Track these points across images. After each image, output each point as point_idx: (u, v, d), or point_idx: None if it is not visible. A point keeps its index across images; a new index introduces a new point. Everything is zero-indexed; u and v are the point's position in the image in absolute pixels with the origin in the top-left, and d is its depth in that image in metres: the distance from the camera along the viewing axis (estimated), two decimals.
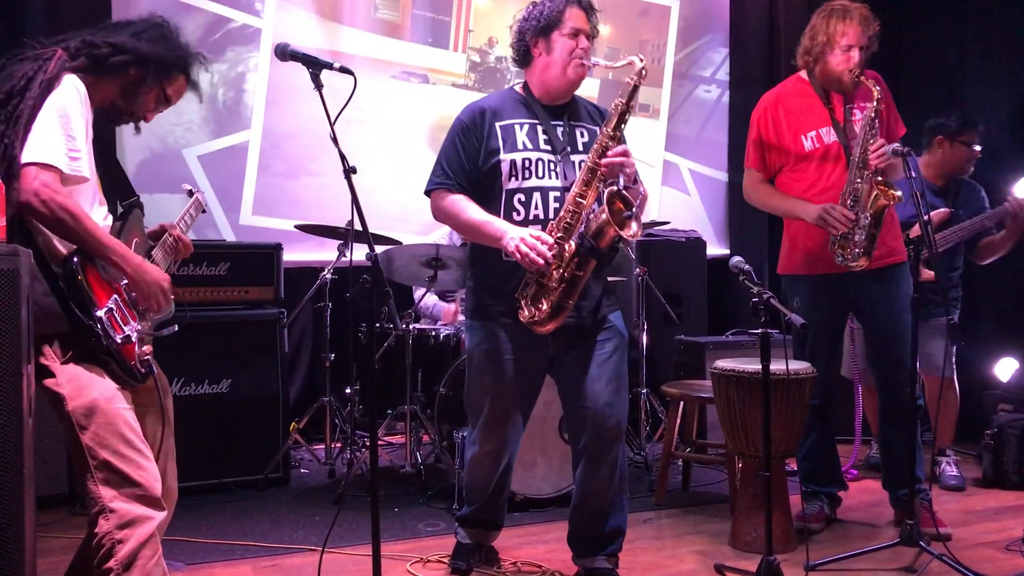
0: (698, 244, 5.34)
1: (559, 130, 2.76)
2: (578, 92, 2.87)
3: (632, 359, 4.74)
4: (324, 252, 4.58)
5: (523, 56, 2.78)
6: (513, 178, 2.71)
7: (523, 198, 2.71)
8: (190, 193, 2.57)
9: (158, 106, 2.32)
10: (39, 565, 1.93)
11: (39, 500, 2.03)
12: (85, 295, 1.99)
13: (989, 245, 4.02)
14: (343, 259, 4.15)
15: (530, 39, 2.74)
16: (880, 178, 3.20)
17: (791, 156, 3.41)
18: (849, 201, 3.22)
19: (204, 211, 2.64)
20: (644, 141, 5.92)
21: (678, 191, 6.05)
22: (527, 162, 2.71)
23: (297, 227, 4.26)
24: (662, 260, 5.07)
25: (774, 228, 5.77)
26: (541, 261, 2.54)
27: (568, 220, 2.59)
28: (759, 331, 2.78)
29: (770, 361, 2.80)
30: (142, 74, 2.23)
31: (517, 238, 2.57)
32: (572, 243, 2.57)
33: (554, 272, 2.57)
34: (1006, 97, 5.06)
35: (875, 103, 3.21)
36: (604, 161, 2.58)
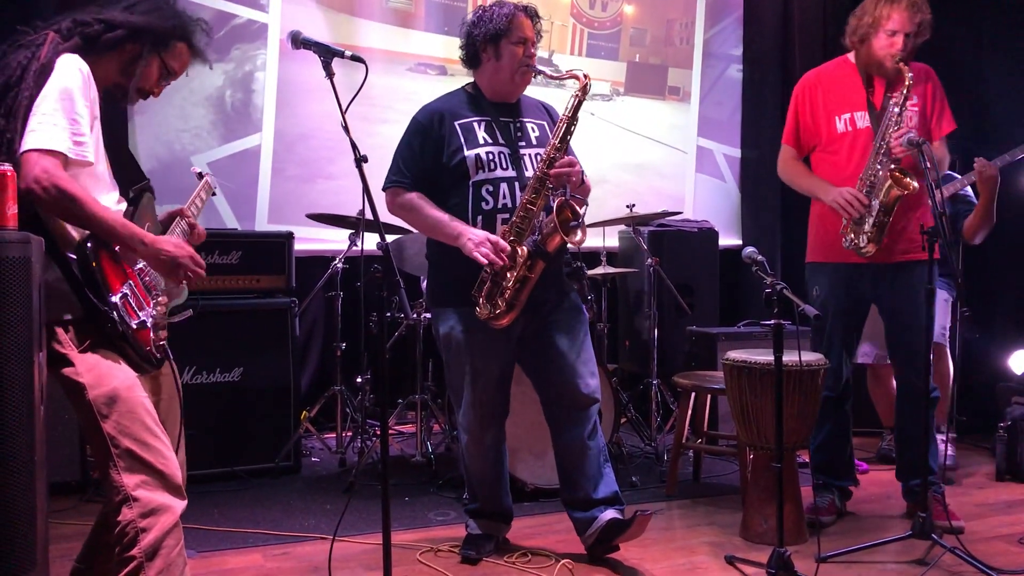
0: (710, 234, 5.33)
1: (511, 126, 2.95)
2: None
3: (644, 349, 4.76)
4: (336, 241, 4.57)
5: (472, 59, 2.95)
6: (480, 171, 2.86)
7: (491, 188, 2.86)
8: (199, 175, 2.52)
9: (162, 79, 2.24)
10: (51, 551, 1.93)
11: (51, 487, 2.03)
12: (99, 281, 1.97)
13: (972, 221, 3.84)
14: (354, 248, 4.16)
15: (480, 45, 2.90)
16: (893, 167, 3.17)
17: (823, 136, 3.40)
18: (866, 187, 3.21)
19: (214, 193, 2.59)
20: (675, 126, 5.77)
21: (713, 178, 5.90)
22: (490, 155, 2.86)
23: (309, 216, 4.26)
24: (674, 250, 5.06)
25: (787, 218, 5.76)
26: (500, 262, 2.71)
27: (520, 225, 2.77)
28: (772, 322, 2.78)
29: (783, 352, 2.80)
30: (139, 48, 2.15)
31: (476, 240, 2.73)
32: (524, 248, 2.75)
33: (509, 274, 2.74)
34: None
35: (904, 91, 3.17)
36: (552, 172, 2.74)
